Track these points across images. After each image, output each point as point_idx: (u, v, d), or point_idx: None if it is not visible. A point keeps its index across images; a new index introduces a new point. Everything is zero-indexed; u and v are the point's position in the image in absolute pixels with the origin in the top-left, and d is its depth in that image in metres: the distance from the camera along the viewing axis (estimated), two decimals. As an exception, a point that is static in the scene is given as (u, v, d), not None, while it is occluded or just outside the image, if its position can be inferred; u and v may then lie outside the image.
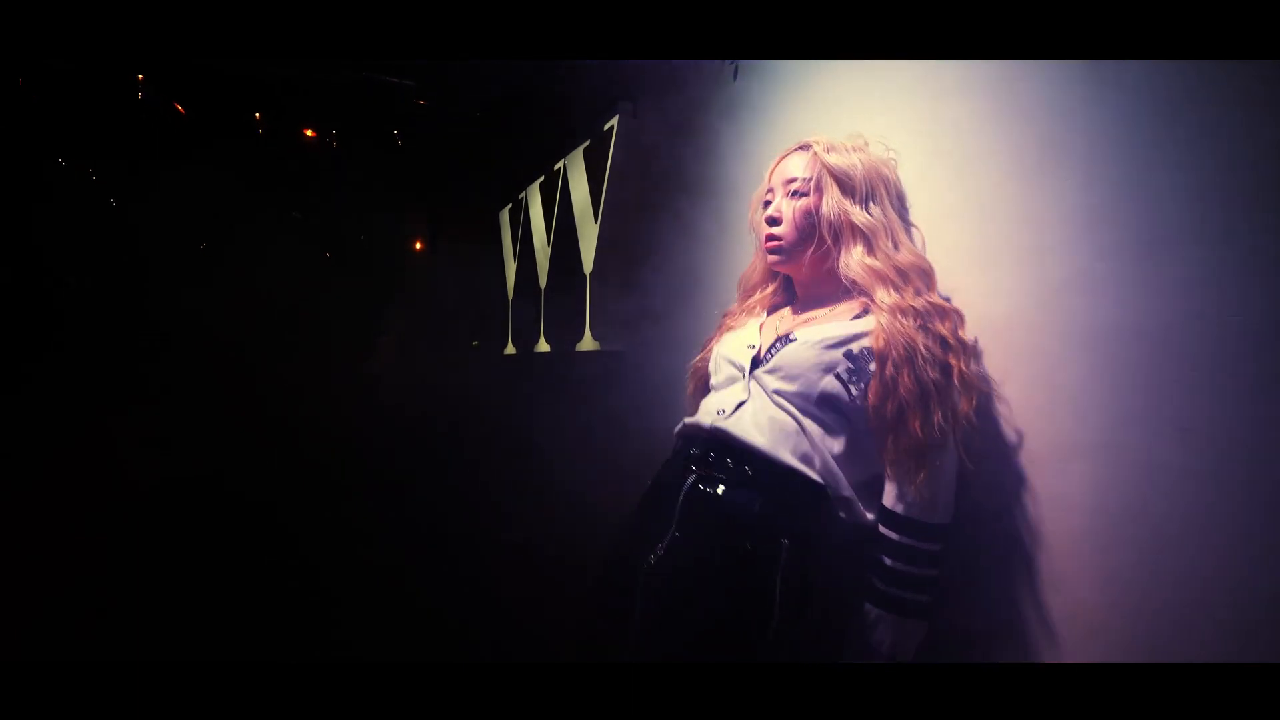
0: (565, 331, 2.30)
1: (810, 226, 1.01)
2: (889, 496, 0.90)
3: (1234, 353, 0.67)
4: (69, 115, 3.45)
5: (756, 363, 1.00)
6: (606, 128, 2.01)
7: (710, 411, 1.00)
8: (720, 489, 0.94)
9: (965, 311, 0.92)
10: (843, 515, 0.92)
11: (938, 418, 0.85)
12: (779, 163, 1.08)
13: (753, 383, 0.99)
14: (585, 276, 2.10)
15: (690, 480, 0.97)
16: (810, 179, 1.02)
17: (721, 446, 0.97)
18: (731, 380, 1.03)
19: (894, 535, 0.89)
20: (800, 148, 1.06)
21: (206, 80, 3.64)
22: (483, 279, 3.33)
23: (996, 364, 0.92)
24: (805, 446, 0.92)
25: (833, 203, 0.99)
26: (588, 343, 2.09)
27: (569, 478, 2.27)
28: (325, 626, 2.43)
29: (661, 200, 1.84)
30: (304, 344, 4.30)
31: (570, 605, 2.30)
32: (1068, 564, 0.82)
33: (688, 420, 1.05)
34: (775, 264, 1.08)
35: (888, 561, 0.90)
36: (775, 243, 1.04)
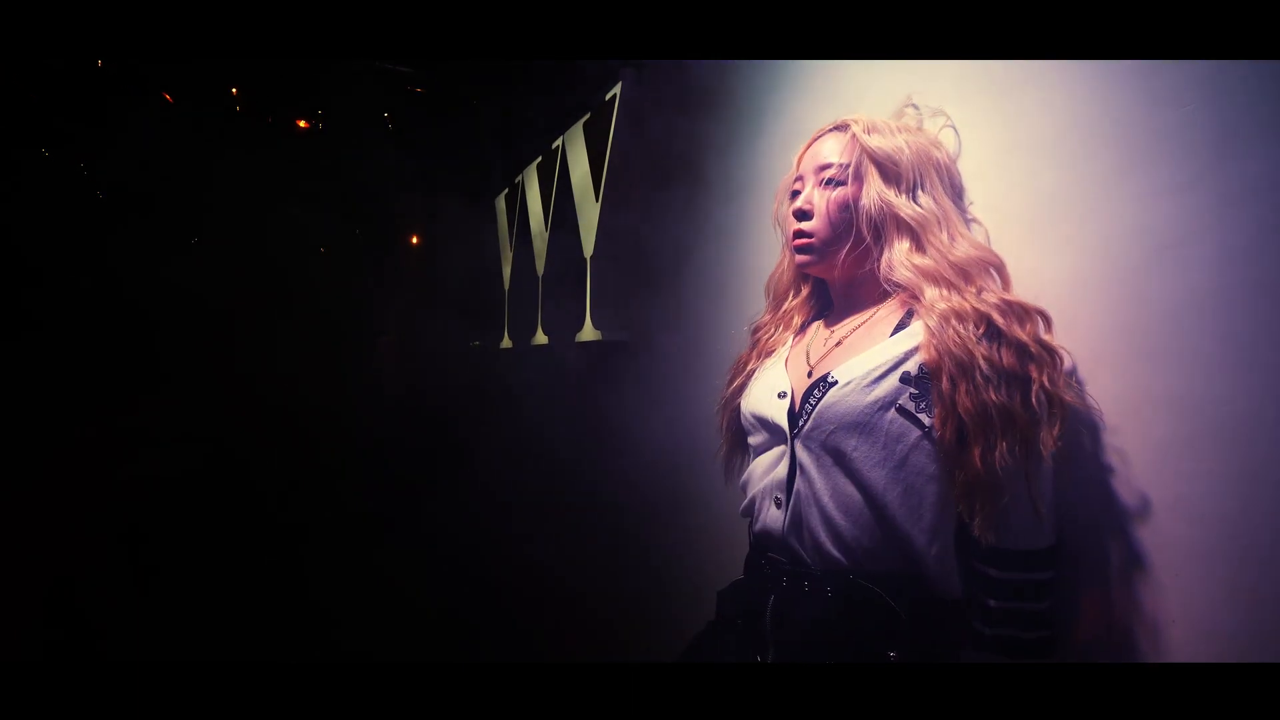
0: (564, 322, 2.15)
1: (846, 221, 0.86)
2: (977, 526, 0.71)
3: None
4: (56, 107, 3.36)
5: (795, 419, 0.81)
6: (609, 97, 1.85)
7: (764, 500, 0.84)
8: (805, 614, 0.78)
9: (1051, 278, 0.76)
10: (946, 590, 0.75)
11: (1002, 448, 0.67)
12: (810, 145, 0.92)
13: (800, 450, 0.80)
14: (586, 261, 1.94)
15: (771, 602, 0.81)
16: (848, 165, 0.87)
17: (793, 556, 0.80)
18: (769, 445, 0.85)
19: (992, 571, 0.73)
20: (836, 128, 0.91)
21: (197, 69, 3.53)
22: (479, 270, 3.21)
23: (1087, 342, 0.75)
24: (891, 533, 0.74)
25: (874, 193, 0.84)
26: (588, 332, 1.93)
27: (573, 475, 2.16)
28: (326, 625, 2.38)
29: (668, 175, 1.68)
30: (299, 337, 4.22)
31: (571, 602, 2.20)
32: (1185, 569, 0.65)
33: (747, 517, 0.90)
34: (804, 265, 0.91)
35: (991, 603, 0.73)
36: (804, 240, 0.88)
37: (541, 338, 2.36)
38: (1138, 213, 0.70)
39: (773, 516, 0.82)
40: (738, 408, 0.93)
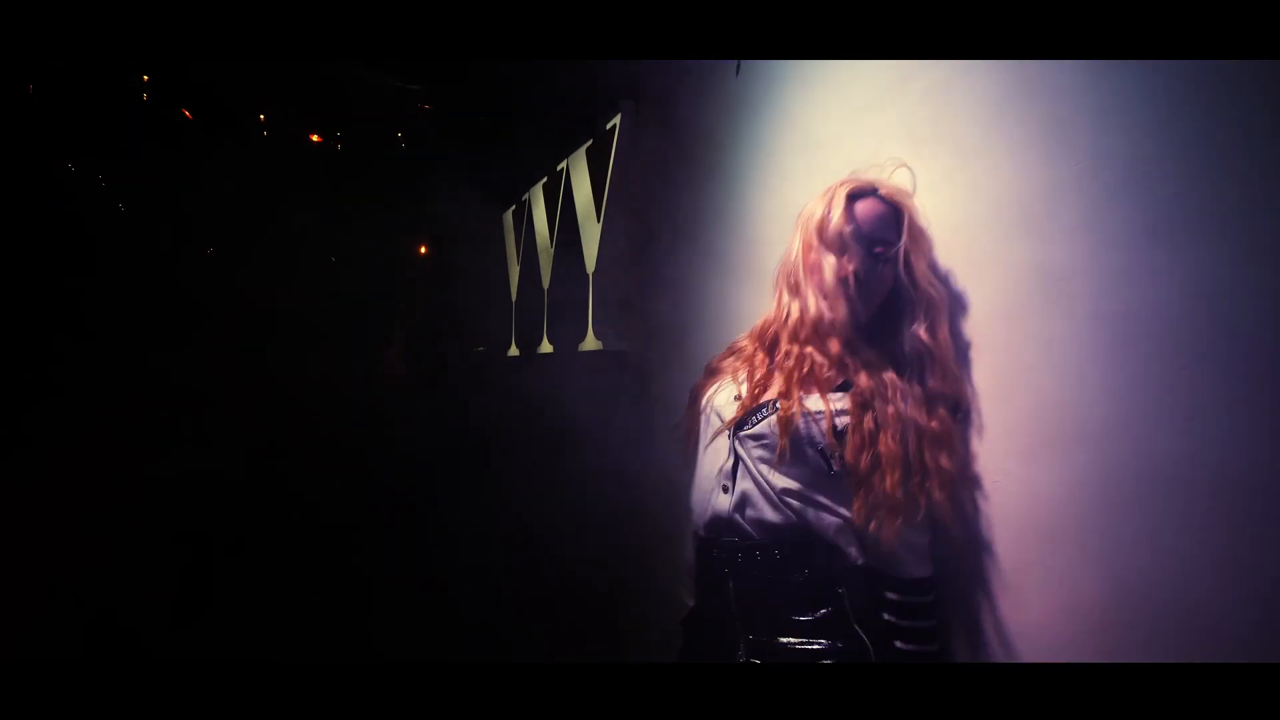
0: (568, 332, 2.30)
1: (884, 296, 0.94)
2: (864, 554, 0.90)
3: (1237, 342, 0.66)
4: (77, 120, 3.49)
5: (741, 423, 0.97)
6: (609, 127, 2.00)
7: (713, 489, 0.99)
8: (761, 575, 0.94)
9: (970, 300, 0.92)
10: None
11: (914, 482, 0.85)
12: (853, 208, 0.94)
13: (739, 447, 0.96)
14: (588, 276, 2.09)
15: (731, 585, 0.95)
16: (897, 246, 0.92)
17: (741, 533, 0.95)
18: (718, 437, 1.00)
19: (887, 593, 0.90)
20: (875, 194, 0.95)
21: (213, 84, 3.68)
22: (487, 281, 3.34)
23: (1003, 355, 0.91)
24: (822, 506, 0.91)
25: (923, 277, 0.91)
26: (590, 342, 2.08)
27: (576, 476, 2.28)
28: (333, 626, 2.46)
29: (663, 199, 1.84)
30: (309, 346, 4.32)
31: (579, 604, 2.30)
32: (1071, 556, 0.80)
33: (695, 504, 1.02)
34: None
35: (885, 616, 0.89)
36: (849, 306, 0.92)
37: (547, 346, 2.52)
38: (1036, 253, 0.86)
39: (720, 501, 0.97)
40: (707, 401, 1.06)
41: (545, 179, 2.55)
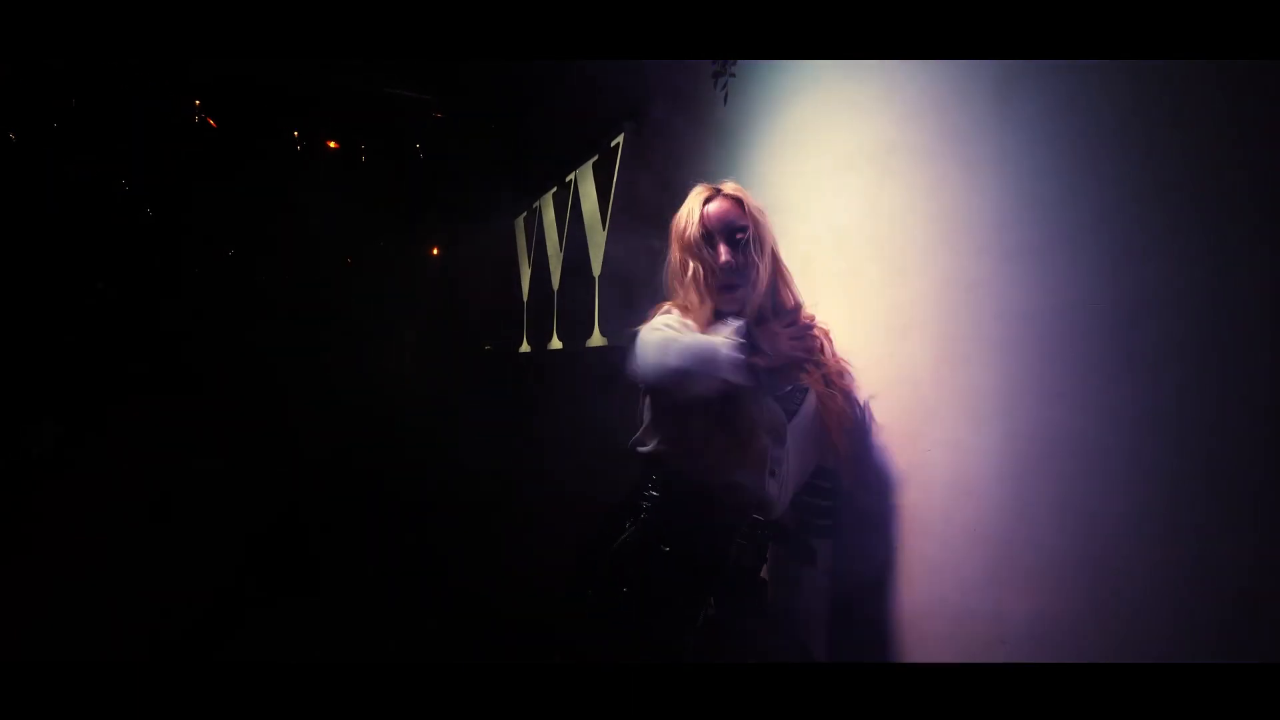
0: (576, 329, 2.51)
1: (753, 269, 1.16)
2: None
3: (1102, 332, 0.86)
4: (104, 126, 3.66)
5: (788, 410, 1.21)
6: (613, 144, 2.21)
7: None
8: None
9: (903, 302, 1.13)
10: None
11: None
12: (707, 209, 1.17)
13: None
14: (594, 279, 2.30)
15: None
16: (749, 228, 1.16)
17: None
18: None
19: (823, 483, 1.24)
20: (721, 195, 1.19)
21: (236, 94, 3.87)
22: (497, 282, 3.50)
23: (926, 346, 1.11)
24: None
25: (769, 249, 1.18)
26: (597, 339, 2.29)
27: (576, 465, 2.43)
28: (336, 625, 2.49)
29: (663, 207, 2.03)
30: (326, 346, 4.47)
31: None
32: (1015, 564, 0.95)
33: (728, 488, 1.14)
34: (728, 304, 1.16)
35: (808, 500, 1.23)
36: (732, 285, 1.16)
37: (556, 343, 2.72)
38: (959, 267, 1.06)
39: (771, 488, 1.13)
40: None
41: (555, 189, 2.75)
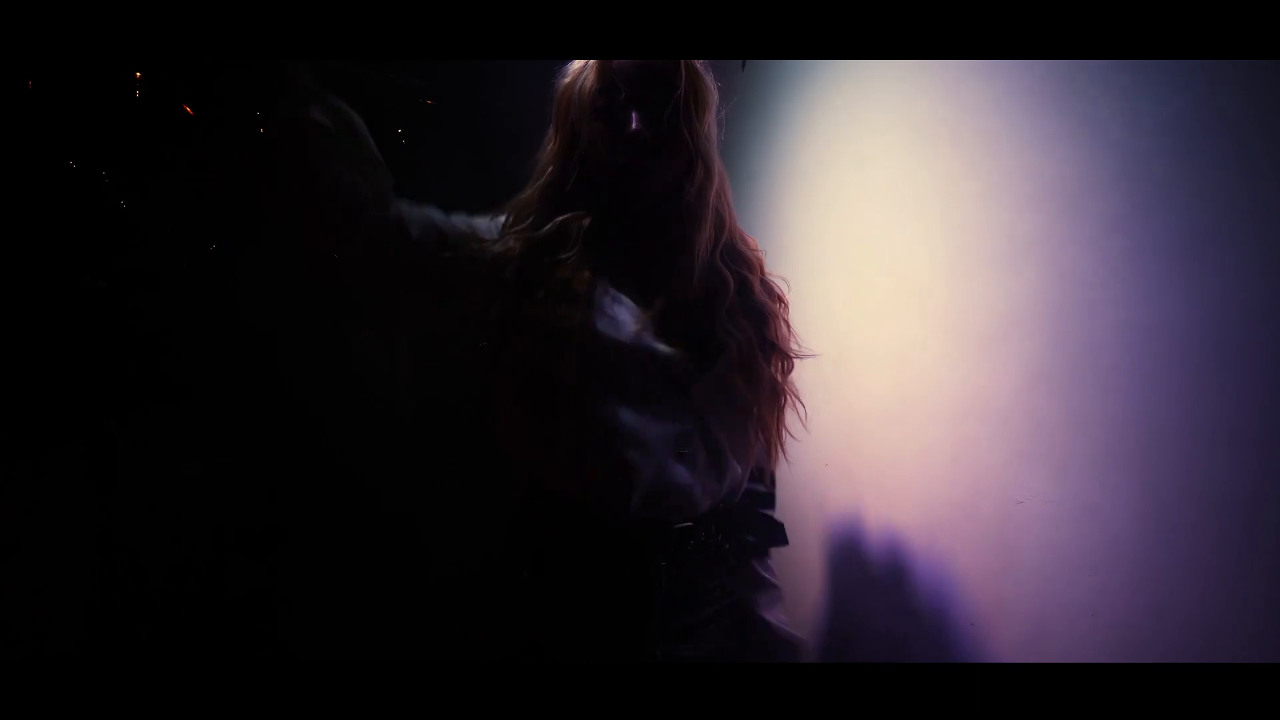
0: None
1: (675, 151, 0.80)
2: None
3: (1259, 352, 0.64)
4: (80, 118, 3.47)
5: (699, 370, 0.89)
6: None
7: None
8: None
9: (984, 306, 0.90)
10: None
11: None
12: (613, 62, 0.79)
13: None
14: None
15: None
16: (679, 89, 0.77)
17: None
18: None
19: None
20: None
21: (211, 80, 3.65)
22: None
23: (1025, 360, 0.89)
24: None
25: (708, 126, 0.81)
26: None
27: None
28: (338, 625, 2.45)
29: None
30: (312, 342, 4.31)
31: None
32: (1109, 574, 0.78)
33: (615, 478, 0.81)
34: (627, 196, 0.80)
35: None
36: (638, 169, 0.79)
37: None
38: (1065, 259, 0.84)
39: (677, 474, 0.80)
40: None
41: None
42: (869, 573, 1.11)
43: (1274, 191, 0.64)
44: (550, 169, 0.83)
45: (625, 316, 0.77)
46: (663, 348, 0.77)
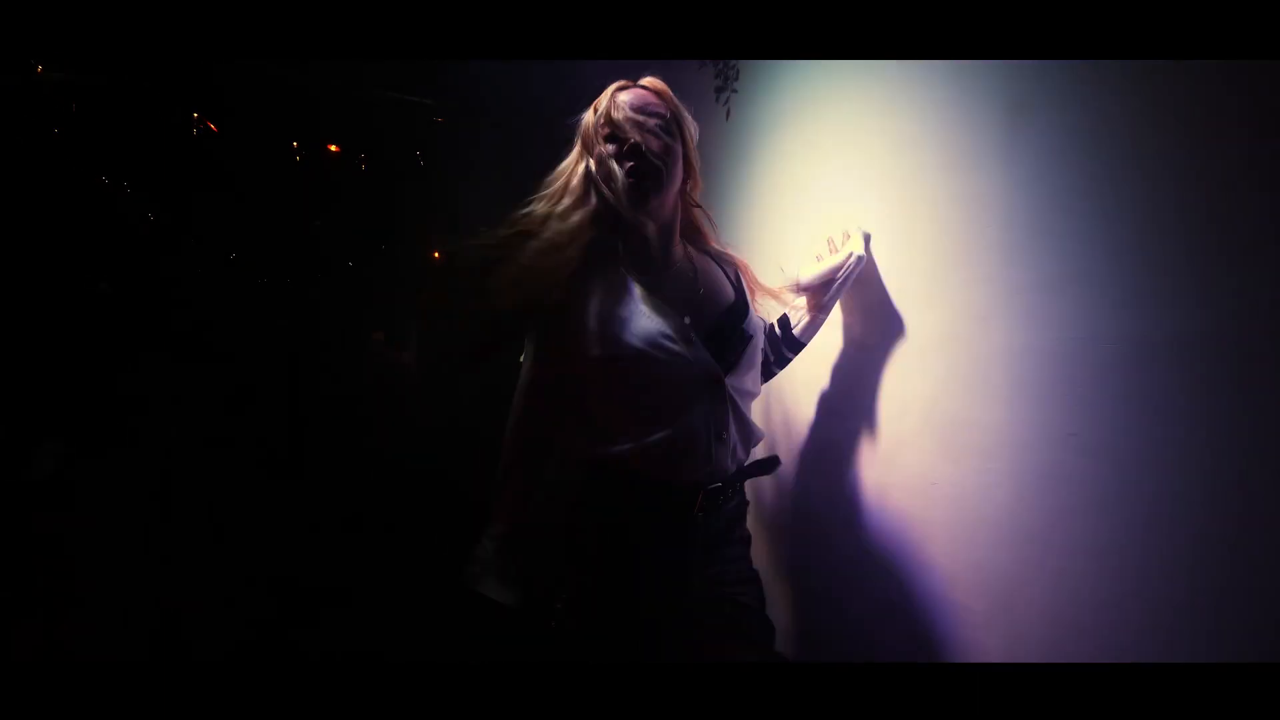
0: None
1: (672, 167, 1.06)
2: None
3: (1120, 370, 0.80)
4: (107, 131, 3.63)
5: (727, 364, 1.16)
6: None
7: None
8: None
9: (918, 327, 1.04)
10: None
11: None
12: (616, 98, 1.07)
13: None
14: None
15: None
16: (668, 116, 1.07)
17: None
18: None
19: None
20: (626, 88, 1.10)
21: (236, 98, 3.83)
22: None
23: (938, 374, 1.04)
24: None
25: (693, 147, 1.10)
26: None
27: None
28: (339, 624, 2.57)
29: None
30: (326, 349, 4.44)
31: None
32: (986, 540, 0.93)
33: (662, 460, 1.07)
34: (642, 205, 1.05)
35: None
36: (644, 182, 1.05)
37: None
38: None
39: (720, 453, 1.05)
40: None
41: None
42: (847, 558, 1.26)
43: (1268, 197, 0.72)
44: (572, 178, 1.07)
45: (675, 328, 1.00)
46: (704, 355, 1.01)
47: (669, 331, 1.01)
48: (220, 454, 3.54)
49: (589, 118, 1.09)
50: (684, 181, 1.07)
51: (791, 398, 1.33)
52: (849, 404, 1.19)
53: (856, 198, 1.25)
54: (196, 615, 2.52)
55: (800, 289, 1.15)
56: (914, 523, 1.07)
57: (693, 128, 1.08)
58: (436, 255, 5.20)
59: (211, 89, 3.85)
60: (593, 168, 1.06)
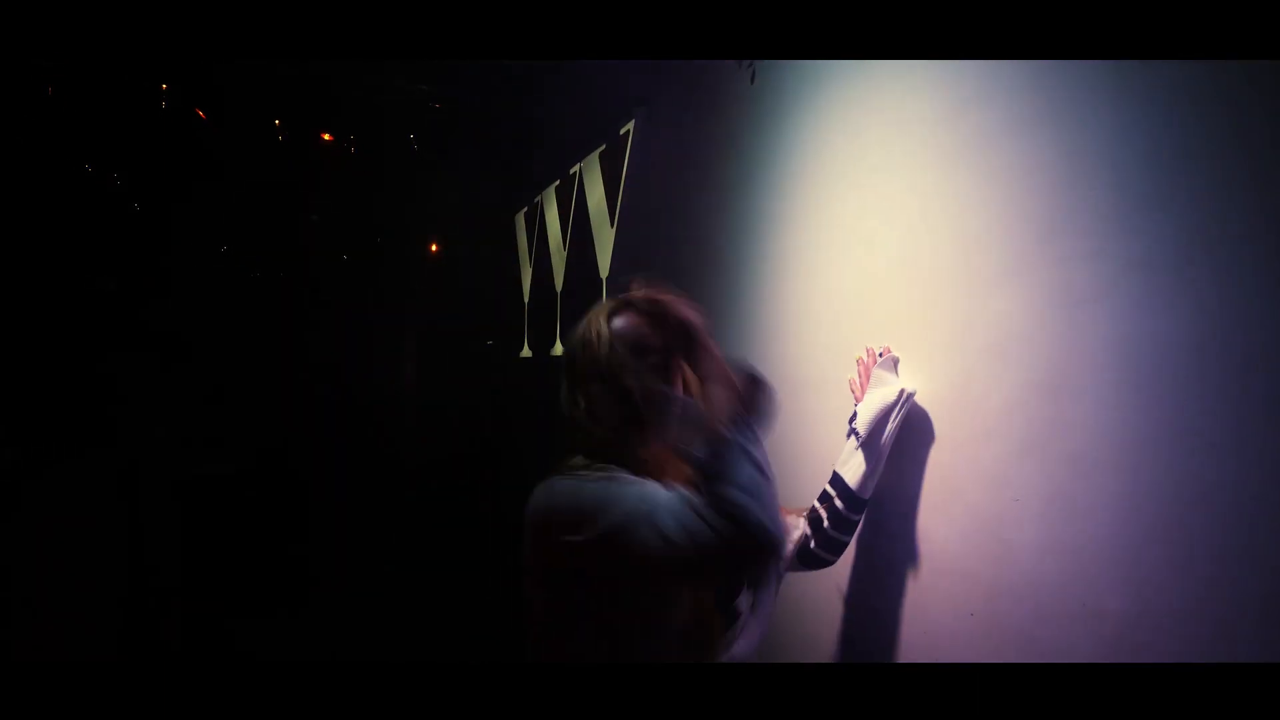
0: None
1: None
2: None
3: (1259, 365, 0.67)
4: (95, 121, 3.52)
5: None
6: (623, 132, 2.01)
7: None
8: None
9: (987, 319, 0.93)
10: None
11: None
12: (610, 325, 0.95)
13: None
14: (602, 281, 2.11)
15: None
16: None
17: None
18: None
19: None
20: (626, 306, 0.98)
21: (226, 86, 3.71)
22: (498, 282, 3.37)
23: (1019, 373, 0.91)
24: None
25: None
26: (604, 346, 2.10)
27: None
28: (338, 624, 2.50)
29: (676, 203, 1.84)
30: (320, 345, 4.35)
31: None
32: (1098, 572, 0.81)
33: None
34: None
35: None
36: None
37: (559, 349, 2.53)
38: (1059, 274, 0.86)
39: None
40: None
41: (558, 182, 2.56)
42: (871, 564, 1.15)
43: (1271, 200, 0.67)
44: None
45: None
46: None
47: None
48: (206, 451, 3.49)
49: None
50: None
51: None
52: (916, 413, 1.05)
53: (907, 161, 1.11)
54: (175, 613, 2.48)
55: (859, 440, 1.02)
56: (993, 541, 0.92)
57: (698, 324, 0.92)
58: (434, 248, 5.12)
59: (200, 78, 3.72)
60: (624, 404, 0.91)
